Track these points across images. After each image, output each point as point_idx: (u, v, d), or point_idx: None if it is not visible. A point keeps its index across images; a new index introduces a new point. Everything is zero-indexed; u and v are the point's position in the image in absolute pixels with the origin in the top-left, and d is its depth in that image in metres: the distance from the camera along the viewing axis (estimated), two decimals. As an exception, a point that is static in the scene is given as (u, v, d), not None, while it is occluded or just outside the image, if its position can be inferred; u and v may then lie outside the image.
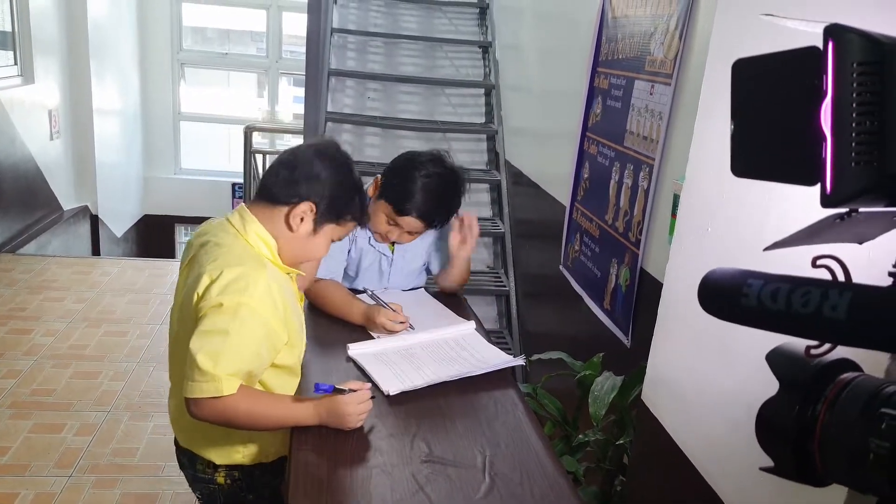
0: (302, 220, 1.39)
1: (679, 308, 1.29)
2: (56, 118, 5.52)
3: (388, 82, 4.27)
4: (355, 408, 1.33)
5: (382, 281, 2.08)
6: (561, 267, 2.83)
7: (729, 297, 0.56)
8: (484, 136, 4.25)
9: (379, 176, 1.95)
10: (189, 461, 1.52)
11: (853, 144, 0.49)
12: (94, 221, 6.10)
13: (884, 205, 0.53)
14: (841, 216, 0.55)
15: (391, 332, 1.75)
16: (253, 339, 1.29)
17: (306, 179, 1.38)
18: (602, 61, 2.55)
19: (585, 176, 2.64)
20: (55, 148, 5.56)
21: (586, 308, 2.50)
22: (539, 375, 2.59)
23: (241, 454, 1.48)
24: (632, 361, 1.79)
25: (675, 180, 1.84)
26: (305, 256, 1.48)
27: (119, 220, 6.67)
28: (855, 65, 0.49)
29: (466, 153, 4.22)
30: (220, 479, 1.50)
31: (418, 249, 2.09)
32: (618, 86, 2.38)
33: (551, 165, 3.16)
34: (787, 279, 0.53)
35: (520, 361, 1.66)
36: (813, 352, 0.56)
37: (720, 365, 1.12)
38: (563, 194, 2.85)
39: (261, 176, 4.86)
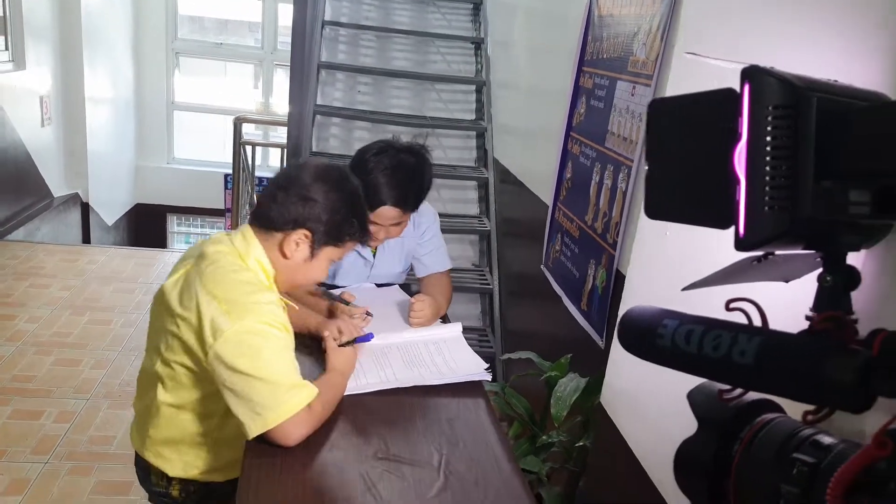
0: (297, 245, 1.36)
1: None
2: (47, 105, 5.49)
3: (378, 76, 4.26)
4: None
5: (359, 285, 2.07)
6: (542, 266, 2.83)
7: (645, 336, 0.56)
8: (474, 133, 4.24)
9: None
10: (143, 473, 1.50)
11: (767, 188, 0.49)
12: (85, 209, 6.08)
13: (801, 247, 0.52)
14: (758, 258, 0.55)
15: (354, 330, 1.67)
16: (287, 350, 1.31)
17: (301, 205, 1.34)
18: (587, 60, 2.54)
19: (568, 176, 2.63)
20: (46, 135, 5.54)
21: (564, 308, 2.49)
22: (517, 373, 2.60)
23: (200, 471, 1.45)
24: (605, 363, 1.78)
25: (650, 182, 1.84)
26: (302, 282, 1.45)
27: (110, 209, 6.65)
28: (770, 108, 0.48)
29: (455, 150, 4.21)
30: (175, 493, 1.47)
31: (397, 254, 2.08)
32: (601, 86, 2.37)
33: (536, 164, 3.15)
34: (702, 321, 0.53)
35: (486, 376, 1.61)
36: (725, 396, 0.56)
37: (673, 372, 1.12)
38: (546, 194, 2.85)
39: (251, 170, 4.85)
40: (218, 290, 1.27)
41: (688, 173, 0.54)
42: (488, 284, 3.67)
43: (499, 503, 1.22)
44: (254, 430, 1.23)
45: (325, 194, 1.35)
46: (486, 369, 1.61)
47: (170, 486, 1.47)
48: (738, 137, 0.49)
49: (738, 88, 0.50)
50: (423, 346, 1.72)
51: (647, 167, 0.56)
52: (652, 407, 1.16)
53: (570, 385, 1.52)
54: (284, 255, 1.36)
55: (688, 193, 0.54)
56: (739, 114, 0.49)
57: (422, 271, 2.10)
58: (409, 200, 1.88)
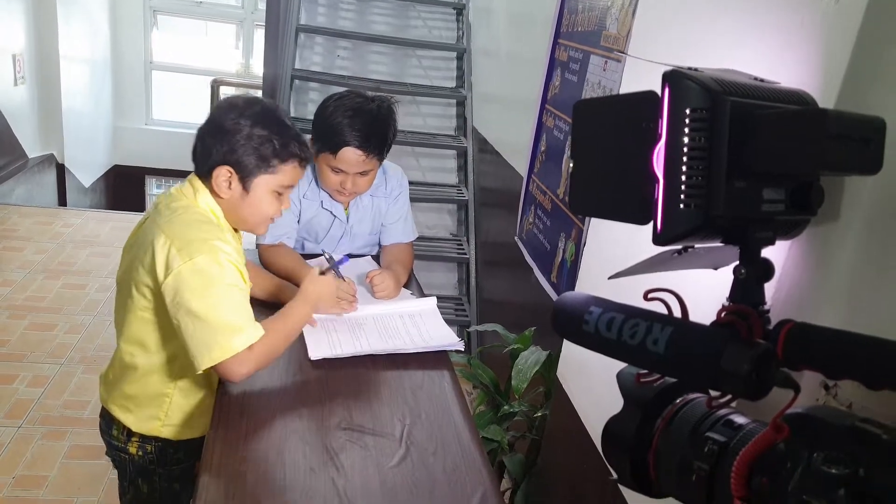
0: (228, 184, 1.37)
1: (589, 286, 1.32)
2: (20, 63, 5.37)
3: (358, 41, 4.21)
4: (341, 294, 1.56)
5: (336, 246, 2.07)
6: (516, 238, 2.85)
7: (574, 322, 0.59)
8: (454, 101, 4.22)
9: (311, 136, 1.91)
10: (106, 425, 1.52)
11: (683, 187, 0.51)
12: (61, 170, 6.00)
13: (719, 241, 0.55)
14: (678, 251, 0.58)
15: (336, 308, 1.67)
16: (238, 286, 1.33)
17: (218, 142, 1.35)
18: (563, 32, 2.53)
19: (542, 149, 2.64)
20: (20, 94, 5.43)
21: (535, 280, 2.53)
22: (490, 343, 2.64)
23: (161, 423, 1.47)
24: (568, 335, 1.82)
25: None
26: (251, 219, 1.44)
27: (87, 170, 6.56)
28: (688, 111, 0.50)
29: (435, 118, 4.19)
30: (133, 449, 1.50)
31: (370, 213, 2.06)
32: (575, 59, 2.37)
33: (513, 135, 3.16)
34: (624, 309, 0.56)
35: (459, 346, 1.62)
36: (643, 380, 0.59)
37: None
38: (522, 165, 2.86)
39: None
40: (171, 230, 1.31)
41: (610, 171, 0.56)
42: (465, 254, 3.70)
43: (457, 472, 1.26)
44: (200, 365, 1.29)
45: (235, 123, 1.34)
46: (460, 340, 1.64)
47: (128, 441, 1.49)
48: (657, 138, 0.51)
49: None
50: (398, 318, 1.74)
51: (571, 165, 0.58)
52: (598, 381, 1.20)
53: (531, 358, 1.56)
54: (219, 196, 1.39)
55: (610, 190, 0.56)
56: (659, 115, 0.51)
57: (387, 239, 2.08)
58: (373, 143, 1.82)
